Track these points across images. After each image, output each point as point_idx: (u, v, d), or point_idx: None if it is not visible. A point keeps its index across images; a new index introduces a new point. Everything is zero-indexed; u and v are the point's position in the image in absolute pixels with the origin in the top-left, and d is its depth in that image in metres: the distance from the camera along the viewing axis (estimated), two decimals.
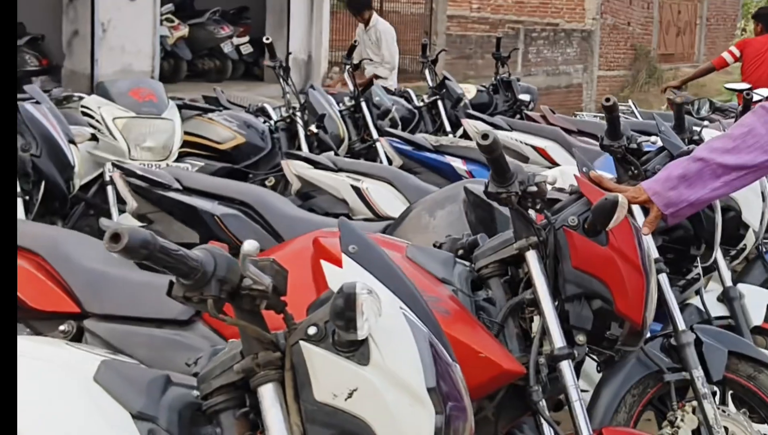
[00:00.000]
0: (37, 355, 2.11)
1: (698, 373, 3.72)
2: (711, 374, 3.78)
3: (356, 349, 1.95)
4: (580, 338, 3.02)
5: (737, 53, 9.85)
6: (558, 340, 2.95)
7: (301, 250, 2.84)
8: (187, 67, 15.29)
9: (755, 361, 3.91)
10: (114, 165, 4.48)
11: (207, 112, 7.28)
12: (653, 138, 3.89)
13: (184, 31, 15.28)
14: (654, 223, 3.25)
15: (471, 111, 7.93)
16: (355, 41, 9.29)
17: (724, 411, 3.86)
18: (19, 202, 4.96)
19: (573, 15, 24.68)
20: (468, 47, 21.19)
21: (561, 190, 4.08)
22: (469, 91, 9.55)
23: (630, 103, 9.75)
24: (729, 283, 4.61)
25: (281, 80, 7.03)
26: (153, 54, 13.01)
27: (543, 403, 2.97)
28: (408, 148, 6.02)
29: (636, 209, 3.84)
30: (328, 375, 1.95)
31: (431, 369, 2.00)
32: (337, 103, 7.95)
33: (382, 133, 6.74)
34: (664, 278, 3.84)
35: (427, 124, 8.57)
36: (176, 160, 6.81)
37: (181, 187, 4.30)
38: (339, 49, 17.77)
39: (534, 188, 2.91)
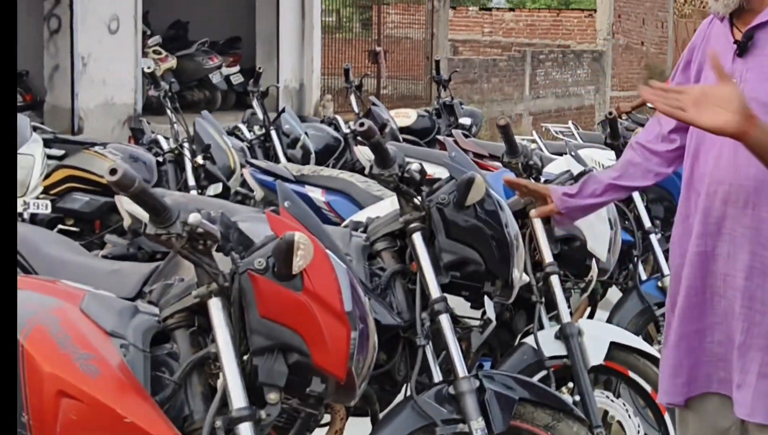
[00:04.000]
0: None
1: (477, 424, 3.32)
2: (494, 425, 3.38)
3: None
4: (272, 397, 2.66)
5: None
6: (238, 399, 2.61)
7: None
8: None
9: (554, 409, 3.51)
10: None
11: (93, 145, 7.00)
12: (415, 165, 3.46)
13: (171, 62, 15.17)
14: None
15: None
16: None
17: None
18: None
19: (584, 36, 24.44)
20: (472, 71, 20.85)
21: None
22: (408, 115, 9.26)
23: (570, 124, 9.40)
24: (567, 319, 4.18)
25: (168, 111, 6.73)
26: (135, 87, 12.89)
27: None
28: (268, 178, 5.69)
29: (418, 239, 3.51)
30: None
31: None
32: (249, 132, 7.70)
33: (247, 163, 6.42)
34: (445, 319, 3.47)
35: (353, 151, 8.23)
36: (61, 195, 6.60)
37: None
38: (331, 76, 17.48)
39: (200, 230, 2.56)
